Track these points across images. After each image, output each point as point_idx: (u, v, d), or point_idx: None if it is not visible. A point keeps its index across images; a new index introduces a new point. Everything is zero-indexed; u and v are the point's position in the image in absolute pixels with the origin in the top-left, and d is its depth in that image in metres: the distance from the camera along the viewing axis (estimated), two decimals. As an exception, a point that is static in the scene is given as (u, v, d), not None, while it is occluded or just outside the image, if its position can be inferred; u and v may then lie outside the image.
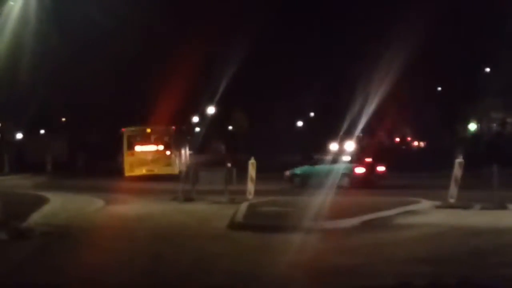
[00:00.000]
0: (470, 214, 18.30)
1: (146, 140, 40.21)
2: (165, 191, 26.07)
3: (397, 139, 68.50)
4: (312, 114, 74.17)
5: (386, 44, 48.11)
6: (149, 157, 39.38)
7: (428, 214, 18.54)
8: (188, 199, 23.17)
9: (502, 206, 18.87)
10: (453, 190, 20.08)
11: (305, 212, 18.08)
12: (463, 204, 19.53)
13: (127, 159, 39.46)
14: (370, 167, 29.97)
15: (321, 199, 21.65)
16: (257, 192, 23.25)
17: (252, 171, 23.26)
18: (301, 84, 58.85)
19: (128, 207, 22.00)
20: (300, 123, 75.21)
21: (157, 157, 39.43)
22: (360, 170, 29.78)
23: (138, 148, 39.95)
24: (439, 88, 58.58)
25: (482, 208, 19.06)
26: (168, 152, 39.78)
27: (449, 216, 17.75)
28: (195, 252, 13.40)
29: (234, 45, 48.01)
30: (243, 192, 22.94)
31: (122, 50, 47.52)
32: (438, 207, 19.80)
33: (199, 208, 21.39)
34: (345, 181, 28.64)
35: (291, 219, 16.98)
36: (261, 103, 57.25)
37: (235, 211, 18.87)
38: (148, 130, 40.73)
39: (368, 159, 30.89)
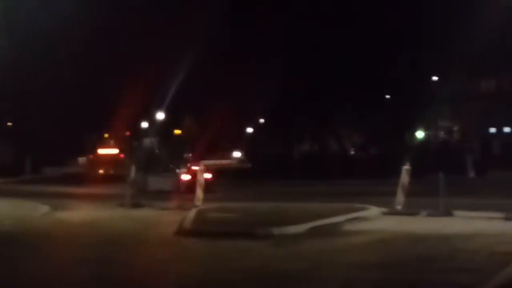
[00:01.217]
0: (416, 221, 18.48)
1: (104, 145, 48.39)
2: (114, 197, 25.81)
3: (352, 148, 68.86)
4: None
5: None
6: (107, 160, 46.91)
7: (375, 221, 18.66)
8: (135, 205, 22.95)
9: (448, 213, 19.10)
10: (400, 197, 20.26)
11: (254, 218, 18.09)
12: (410, 211, 19.71)
13: (90, 161, 48.16)
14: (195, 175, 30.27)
15: (270, 206, 21.70)
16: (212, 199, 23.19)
17: (201, 177, 23.14)
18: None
19: (75, 213, 21.71)
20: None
21: (113, 159, 46.63)
22: (186, 177, 30.95)
23: (99, 151, 48.07)
24: (388, 96, 59.21)
25: (429, 215, 19.26)
26: (122, 155, 47.09)
27: (396, 223, 17.90)
28: (142, 258, 13.27)
29: (183, 49, 47.71)
30: (192, 198, 22.81)
31: (71, 52, 47.22)
32: (385, 213, 19.95)
33: (147, 214, 21.22)
34: (171, 186, 29.96)
35: (239, 225, 16.96)
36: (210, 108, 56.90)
37: (183, 217, 18.74)
38: (106, 136, 49.13)
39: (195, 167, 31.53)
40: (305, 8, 49.59)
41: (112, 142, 48.95)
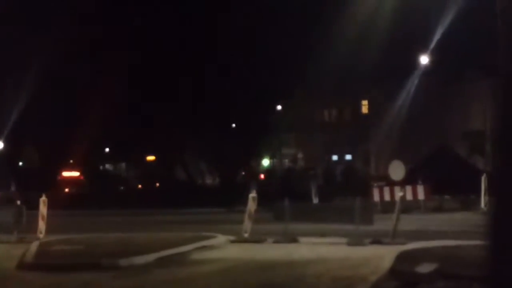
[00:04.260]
0: (263, 248, 18.71)
1: None
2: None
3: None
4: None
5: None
6: None
7: (223, 249, 18.72)
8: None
9: (293, 239, 19.46)
10: (247, 224, 20.45)
11: (100, 249, 17.67)
12: (256, 238, 19.93)
13: None
14: None
15: (116, 236, 21.28)
16: (55, 230, 22.42)
17: (43, 208, 22.35)
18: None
19: None
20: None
21: None
22: None
23: None
24: (234, 125, 59.94)
25: (275, 242, 19.55)
26: None
27: (243, 250, 18.03)
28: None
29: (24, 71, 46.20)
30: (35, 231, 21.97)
31: None
32: (233, 241, 20.06)
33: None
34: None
35: (85, 257, 16.51)
36: (53, 135, 55.22)
37: (25, 250, 18.01)
38: None
39: None
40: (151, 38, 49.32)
41: None
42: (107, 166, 77.33)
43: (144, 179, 65.53)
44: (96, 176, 62.44)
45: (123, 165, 77.63)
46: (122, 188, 63.25)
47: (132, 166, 72.93)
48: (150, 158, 66.57)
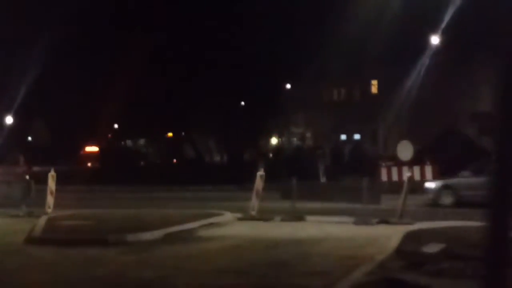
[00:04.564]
0: (271, 226, 18.75)
1: None
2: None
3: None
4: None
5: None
6: None
7: (230, 226, 18.78)
8: (-19, 213, 21.95)
9: (300, 218, 19.50)
10: (254, 202, 20.50)
11: (107, 225, 17.76)
12: (264, 216, 19.98)
13: None
14: None
15: (124, 212, 21.36)
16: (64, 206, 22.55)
17: (51, 183, 22.44)
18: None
19: None
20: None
21: None
22: None
23: None
24: (243, 103, 59.87)
25: (282, 220, 19.59)
26: None
27: (250, 228, 18.08)
28: (-12, 268, 12.71)
29: (31, 50, 46.12)
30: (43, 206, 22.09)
31: None
32: (240, 219, 20.11)
33: (-6, 222, 20.34)
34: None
35: (92, 233, 16.59)
36: (62, 112, 55.34)
37: (33, 225, 18.11)
38: None
39: None
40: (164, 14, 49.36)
41: None
42: (128, 142, 78.07)
43: (162, 155, 66.15)
44: (116, 152, 63.19)
45: (142, 141, 78.11)
46: (142, 163, 63.90)
47: (151, 142, 73.51)
48: (170, 134, 67.21)
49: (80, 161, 59.25)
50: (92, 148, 63.52)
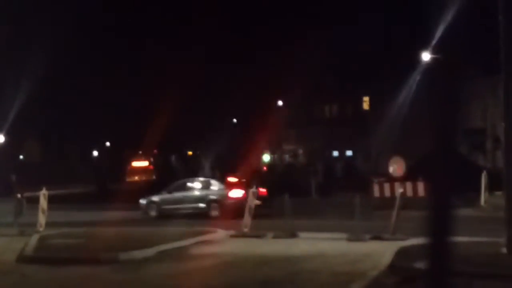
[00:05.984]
0: (263, 243, 18.70)
1: None
2: None
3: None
4: (107, 143, 73.42)
5: None
6: None
7: (222, 244, 18.72)
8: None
9: (293, 235, 19.45)
10: (247, 219, 20.44)
11: (100, 243, 17.68)
12: (256, 233, 19.91)
13: None
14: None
15: (116, 230, 21.27)
16: (56, 225, 22.44)
17: (43, 202, 22.35)
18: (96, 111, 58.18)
19: None
20: (95, 153, 74.12)
21: None
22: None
23: None
24: (235, 120, 59.98)
25: (275, 237, 19.53)
26: None
27: (242, 245, 18.02)
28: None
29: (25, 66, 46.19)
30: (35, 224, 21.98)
31: None
32: (232, 236, 20.05)
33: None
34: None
35: (84, 251, 16.52)
36: (55, 130, 55.37)
37: (25, 244, 18.02)
38: None
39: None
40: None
41: None
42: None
43: (187, 172, 67.13)
44: (164, 166, 65.31)
45: (173, 157, 79.47)
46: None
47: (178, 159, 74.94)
48: (190, 152, 69.30)
49: (129, 175, 61.37)
50: (139, 163, 64.74)
